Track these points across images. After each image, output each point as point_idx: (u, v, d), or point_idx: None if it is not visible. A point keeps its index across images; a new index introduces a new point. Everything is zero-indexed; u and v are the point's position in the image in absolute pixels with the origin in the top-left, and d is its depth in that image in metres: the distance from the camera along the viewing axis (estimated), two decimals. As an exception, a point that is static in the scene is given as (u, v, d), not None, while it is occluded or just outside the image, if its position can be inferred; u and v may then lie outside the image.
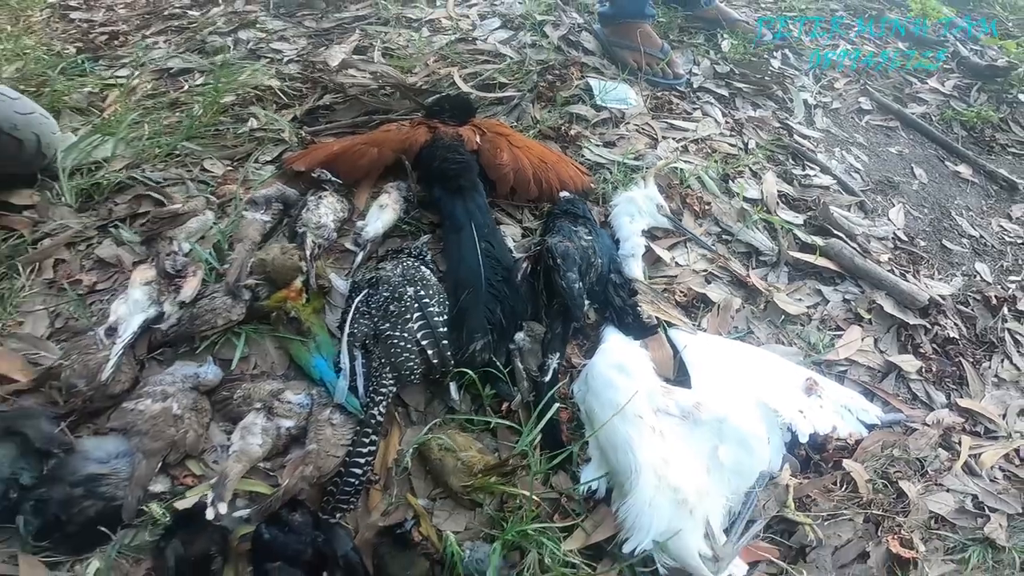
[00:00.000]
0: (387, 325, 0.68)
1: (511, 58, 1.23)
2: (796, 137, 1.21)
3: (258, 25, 1.40)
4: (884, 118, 1.41)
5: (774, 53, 1.51)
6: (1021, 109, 1.68)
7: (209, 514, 0.59)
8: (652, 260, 0.91)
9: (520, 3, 1.47)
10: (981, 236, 1.19)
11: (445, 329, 0.70)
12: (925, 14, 2.07)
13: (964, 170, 1.35)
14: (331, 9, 1.45)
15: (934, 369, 0.93)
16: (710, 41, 1.47)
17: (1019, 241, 1.25)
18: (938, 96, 1.61)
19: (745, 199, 1.01)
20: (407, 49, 1.24)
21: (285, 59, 1.24)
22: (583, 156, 1.01)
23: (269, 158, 0.98)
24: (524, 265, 0.77)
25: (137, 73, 1.21)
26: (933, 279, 1.05)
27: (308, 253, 0.76)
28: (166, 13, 1.49)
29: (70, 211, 0.89)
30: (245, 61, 1.25)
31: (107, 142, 0.97)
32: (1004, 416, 0.94)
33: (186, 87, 1.16)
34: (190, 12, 1.51)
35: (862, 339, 0.90)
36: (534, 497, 0.63)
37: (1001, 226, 1.26)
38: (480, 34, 1.32)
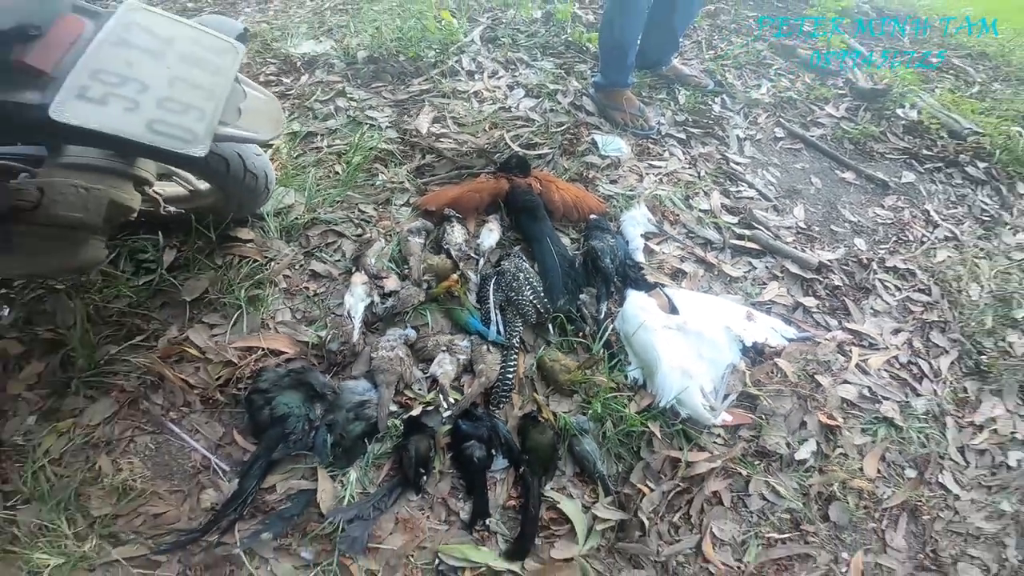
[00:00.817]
0: (513, 294, 1.22)
1: (538, 121, 1.78)
2: (731, 164, 1.79)
3: (348, 95, 1.92)
4: (792, 142, 2.00)
5: (715, 99, 2.10)
6: (896, 123, 2.30)
7: (443, 408, 1.08)
8: (648, 251, 1.47)
9: (535, 74, 2.03)
10: (859, 221, 1.77)
11: (543, 295, 1.24)
12: (830, 47, 2.69)
13: (849, 176, 1.93)
14: (397, 82, 1.98)
15: (827, 305, 1.50)
16: (670, 95, 2.05)
17: (888, 222, 1.83)
18: (833, 119, 2.20)
19: (700, 210, 1.58)
20: (467, 118, 1.78)
21: (383, 125, 1.75)
22: (599, 191, 1.57)
23: (401, 202, 1.50)
24: (580, 257, 1.32)
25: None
26: (823, 251, 1.62)
27: (455, 258, 1.29)
28: (261, 80, 1.97)
29: (281, 243, 1.38)
30: (349, 127, 1.77)
31: (289, 193, 1.46)
32: (881, 335, 1.50)
33: (324, 147, 1.65)
34: (283, 79, 2.03)
35: (778, 288, 1.47)
36: (607, 381, 1.17)
37: (876, 213, 1.84)
38: (512, 103, 1.87)
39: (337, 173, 1.57)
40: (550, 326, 1.24)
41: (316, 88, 1.96)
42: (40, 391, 1.11)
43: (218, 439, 1.08)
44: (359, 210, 1.47)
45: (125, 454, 1.05)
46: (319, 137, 1.72)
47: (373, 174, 1.57)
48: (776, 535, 1.16)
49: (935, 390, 1.41)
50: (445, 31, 2.17)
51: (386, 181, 1.54)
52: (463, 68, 2.06)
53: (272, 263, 1.33)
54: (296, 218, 1.42)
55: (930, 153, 2.11)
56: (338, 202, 1.48)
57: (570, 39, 2.27)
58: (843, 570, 1.17)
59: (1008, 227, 1.91)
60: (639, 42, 1.88)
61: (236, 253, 1.33)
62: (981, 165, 2.12)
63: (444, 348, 1.17)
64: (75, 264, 0.94)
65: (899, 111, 2.29)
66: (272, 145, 1.57)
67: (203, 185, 1.21)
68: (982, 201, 1.98)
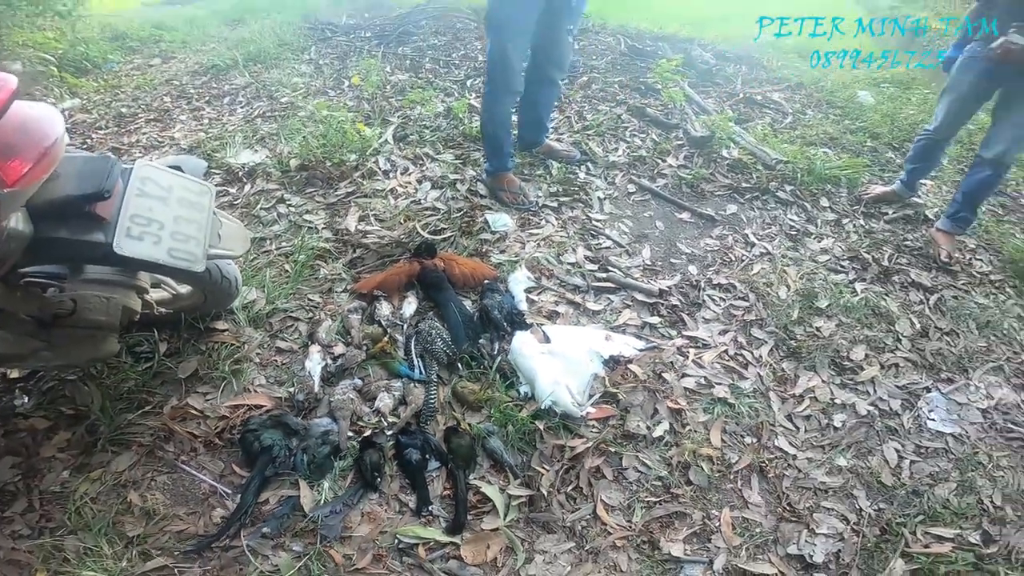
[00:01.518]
0: (429, 345, 1.69)
1: (442, 209, 2.29)
2: (593, 222, 2.34)
3: (287, 201, 2.36)
4: (642, 195, 2.58)
5: (581, 168, 2.67)
6: (722, 163, 2.85)
7: (387, 429, 1.52)
8: (530, 301, 1.96)
9: (438, 167, 2.55)
10: (693, 252, 2.32)
11: (451, 343, 1.70)
12: (672, 99, 3.35)
13: (686, 216, 2.50)
14: (327, 187, 2.45)
15: (668, 320, 2.02)
16: (545, 170, 2.61)
17: (715, 249, 2.37)
18: (673, 169, 2.77)
19: (569, 263, 2.11)
20: (386, 213, 2.26)
21: (319, 227, 2.21)
22: (491, 260, 2.08)
23: (340, 289, 1.95)
24: (477, 313, 1.80)
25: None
26: (664, 279, 2.17)
27: (385, 326, 1.74)
28: None
29: (250, 329, 1.80)
30: (290, 231, 2.21)
31: (252, 291, 1.88)
32: (711, 336, 2.00)
33: (273, 250, 2.10)
34: (229, 190, 2.45)
35: (630, 314, 1.98)
36: (504, 396, 1.62)
37: (706, 243, 2.39)
38: (421, 196, 2.38)
39: (287, 271, 2.01)
40: (459, 364, 1.72)
41: (259, 197, 2.41)
42: (71, 452, 1.47)
43: (220, 471, 1.47)
44: (308, 299, 1.92)
45: (149, 489, 1.43)
46: (268, 241, 2.16)
47: (316, 269, 2.02)
48: (653, 499, 1.51)
49: (758, 373, 1.86)
50: (362, 139, 2.67)
51: (327, 274, 2.00)
52: (380, 168, 2.56)
53: (246, 345, 1.75)
54: (259, 309, 1.84)
55: (748, 185, 2.74)
56: (291, 294, 1.92)
57: (466, 131, 2.82)
58: (716, 524, 1.48)
59: (812, 236, 2.54)
60: (516, 130, 2.44)
61: (216, 340, 1.75)
62: (788, 188, 2.77)
63: (383, 389, 1.63)
64: (100, 354, 1.35)
65: (724, 152, 2.93)
66: (242, 256, 1.99)
67: (184, 289, 1.61)
68: (790, 219, 2.61)
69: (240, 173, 2.58)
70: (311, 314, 1.87)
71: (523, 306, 1.89)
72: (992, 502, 1.62)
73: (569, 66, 2.65)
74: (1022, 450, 1.80)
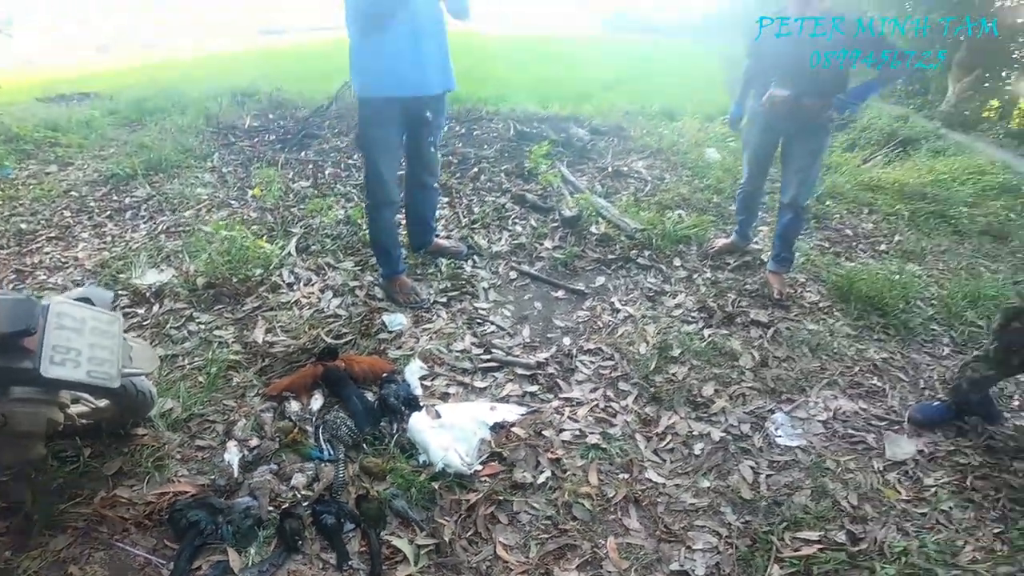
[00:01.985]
0: (335, 432, 2.08)
1: (343, 315, 2.69)
2: (479, 311, 2.82)
3: (196, 319, 2.66)
4: (523, 280, 3.11)
5: (468, 262, 3.17)
6: (591, 239, 3.43)
7: (303, 501, 1.86)
8: (424, 387, 2.37)
9: (339, 275, 2.96)
10: (566, 325, 2.82)
11: (355, 429, 2.08)
12: (550, 182, 3.98)
13: (560, 293, 3.02)
14: (234, 303, 2.77)
15: (546, 387, 2.44)
16: (435, 268, 3.09)
17: (586, 319, 2.86)
18: (549, 251, 3.34)
19: (458, 351, 2.55)
20: (291, 324, 2.62)
21: (229, 341, 2.54)
22: (389, 356, 2.49)
23: (253, 394, 2.30)
24: (377, 402, 2.18)
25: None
26: (541, 353, 2.61)
27: (295, 421, 2.09)
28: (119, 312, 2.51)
29: (170, 433, 2.09)
30: (201, 347, 2.50)
31: (167, 401, 2.18)
32: (584, 395, 2.39)
33: (186, 364, 2.42)
34: (137, 311, 2.71)
35: (512, 386, 2.41)
36: (405, 465, 2.00)
37: (578, 315, 2.88)
38: (324, 304, 2.77)
39: (200, 382, 2.31)
40: (363, 444, 2.10)
41: (168, 316, 2.70)
42: (11, 536, 1.70)
43: (153, 546, 1.72)
44: (223, 404, 2.26)
45: (89, 563, 1.67)
46: (180, 357, 2.46)
47: (228, 378, 2.34)
48: (545, 535, 1.78)
49: (625, 419, 2.25)
50: (264, 254, 3.04)
51: (239, 382, 2.33)
52: (284, 281, 2.94)
53: (166, 445, 2.04)
54: (177, 416, 2.16)
55: (614, 256, 3.33)
56: (206, 401, 2.24)
57: (364, 238, 3.26)
58: (604, 552, 1.73)
59: (668, 294, 3.13)
60: (408, 232, 2.89)
61: (137, 443, 2.01)
62: (647, 254, 3.39)
63: (298, 470, 1.98)
64: (28, 458, 1.63)
65: (592, 228, 3.54)
66: (153, 373, 2.28)
67: (102, 403, 1.93)
68: (649, 283, 3.19)
69: (147, 294, 2.86)
70: (226, 416, 2.19)
71: (418, 391, 2.30)
72: (849, 502, 1.96)
73: (439, 171, 3.13)
74: (866, 452, 2.20)
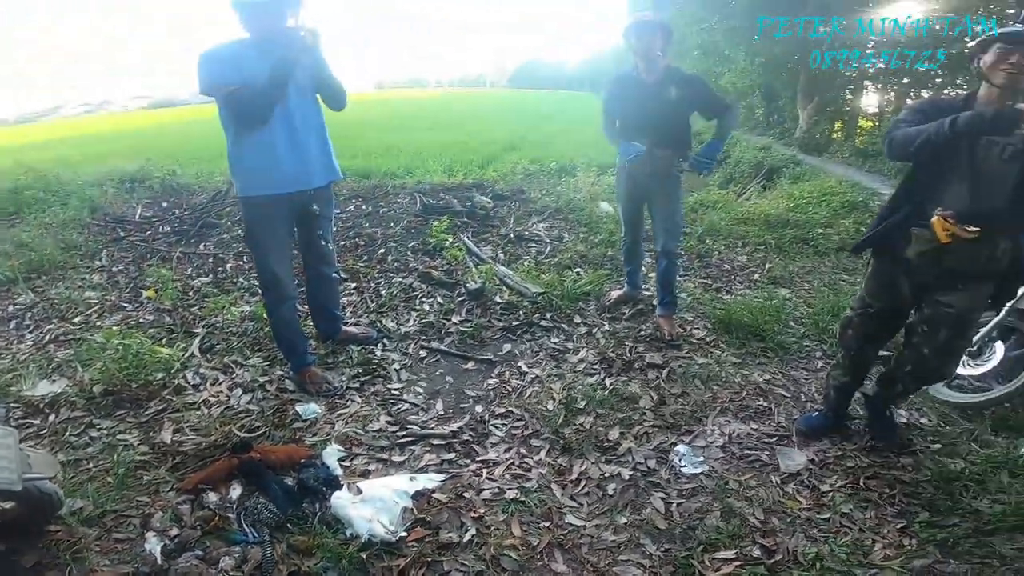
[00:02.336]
0: (257, 516, 2.18)
1: (255, 410, 2.77)
2: (392, 392, 3.01)
3: (97, 426, 2.64)
4: (433, 356, 3.34)
5: (378, 346, 3.35)
6: (496, 309, 3.72)
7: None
8: (344, 467, 2.50)
9: (248, 372, 3.04)
10: (478, 394, 3.04)
11: (277, 512, 2.18)
12: (454, 257, 4.27)
13: (471, 365, 3.28)
14: (137, 408, 2.77)
15: (462, 453, 2.63)
16: (346, 355, 3.25)
17: (496, 386, 3.10)
18: (457, 325, 3.56)
19: (374, 431, 2.71)
20: (200, 423, 2.67)
21: (135, 444, 2.55)
22: (305, 443, 2.60)
23: (167, 488, 2.34)
24: (296, 486, 2.29)
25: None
26: (455, 423, 2.83)
27: (214, 510, 2.15)
28: (13, 426, 2.42)
29: (84, 528, 2.10)
30: (105, 452, 2.49)
31: (77, 501, 2.19)
32: (499, 456, 2.68)
33: (92, 467, 2.42)
34: (32, 422, 2.67)
35: (429, 456, 2.59)
36: (332, 539, 2.11)
37: (488, 383, 3.11)
38: (234, 402, 2.84)
39: (110, 482, 2.31)
40: (288, 525, 2.20)
41: (67, 425, 2.66)
42: None
43: None
44: (137, 500, 2.29)
45: None
46: (84, 461, 2.46)
47: (139, 477, 2.38)
48: None
49: (540, 472, 2.44)
50: (164, 359, 3.06)
51: (151, 480, 2.37)
52: (189, 383, 2.99)
53: (82, 539, 2.07)
54: (89, 513, 2.18)
55: (518, 322, 3.65)
56: (118, 499, 2.26)
57: (271, 332, 3.37)
58: None
59: (571, 351, 3.45)
60: (314, 323, 3.05)
61: (53, 539, 2.04)
62: (549, 316, 3.73)
63: (224, 554, 2.06)
64: None
65: (496, 297, 3.85)
66: (56, 476, 2.26)
67: (8, 505, 1.94)
68: (552, 343, 3.52)
69: (41, 405, 2.80)
70: (142, 510, 2.22)
71: (338, 472, 2.44)
72: (756, 518, 2.17)
73: (335, 260, 3.23)
74: (764, 469, 2.46)
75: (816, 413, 2.77)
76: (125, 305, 3.89)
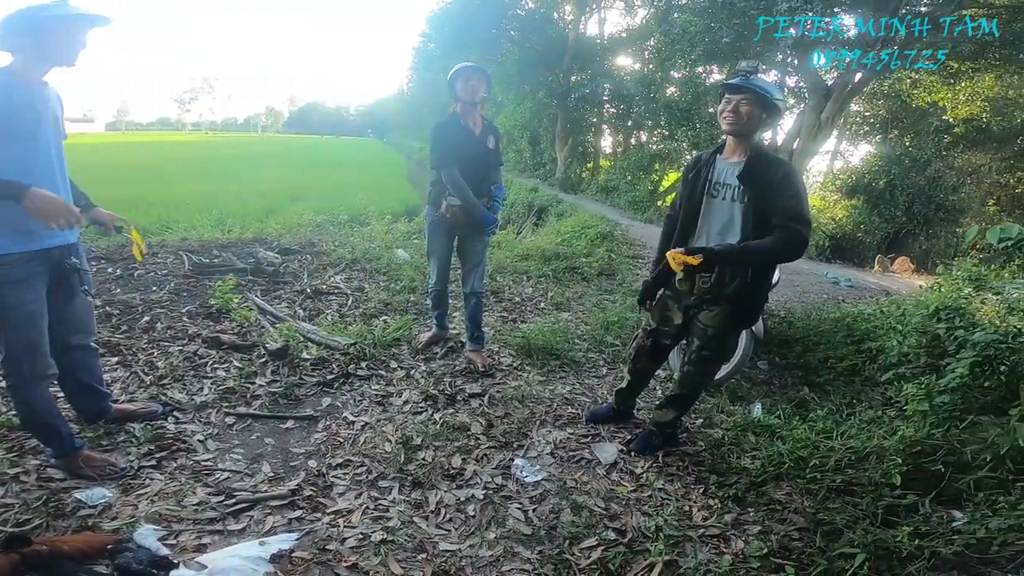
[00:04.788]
0: None
1: (16, 503, 2.19)
2: (203, 463, 2.60)
3: None
4: (243, 422, 2.97)
5: (168, 419, 2.89)
6: (305, 365, 3.51)
7: None
8: (170, 545, 2.09)
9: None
10: (305, 450, 2.75)
11: None
12: (245, 318, 3.93)
13: (290, 423, 2.98)
14: None
15: (309, 507, 2.43)
16: (129, 434, 2.71)
17: (324, 439, 2.86)
18: (264, 387, 3.26)
19: (194, 504, 2.33)
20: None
21: None
22: (105, 528, 2.13)
23: None
24: (114, 573, 1.88)
25: None
26: (290, 482, 2.62)
27: None
28: None
29: None
30: None
31: None
32: (350, 502, 2.51)
33: None
34: None
35: (274, 519, 2.32)
36: None
37: (314, 438, 2.85)
38: None
39: None
40: None
41: None
42: None
43: None
44: None
45: None
46: None
47: None
48: None
49: (398, 510, 2.39)
50: None
51: None
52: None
53: None
54: None
55: (333, 375, 3.48)
56: None
57: (4, 422, 2.67)
58: None
59: (394, 395, 3.44)
60: (73, 405, 2.52)
61: None
62: (364, 364, 3.66)
63: None
64: None
65: (304, 354, 3.66)
66: None
67: None
68: (373, 390, 3.44)
69: None
70: None
71: (163, 551, 2.02)
72: (600, 507, 2.44)
73: (95, 326, 2.72)
74: (589, 465, 2.78)
75: (605, 405, 3.30)
76: None
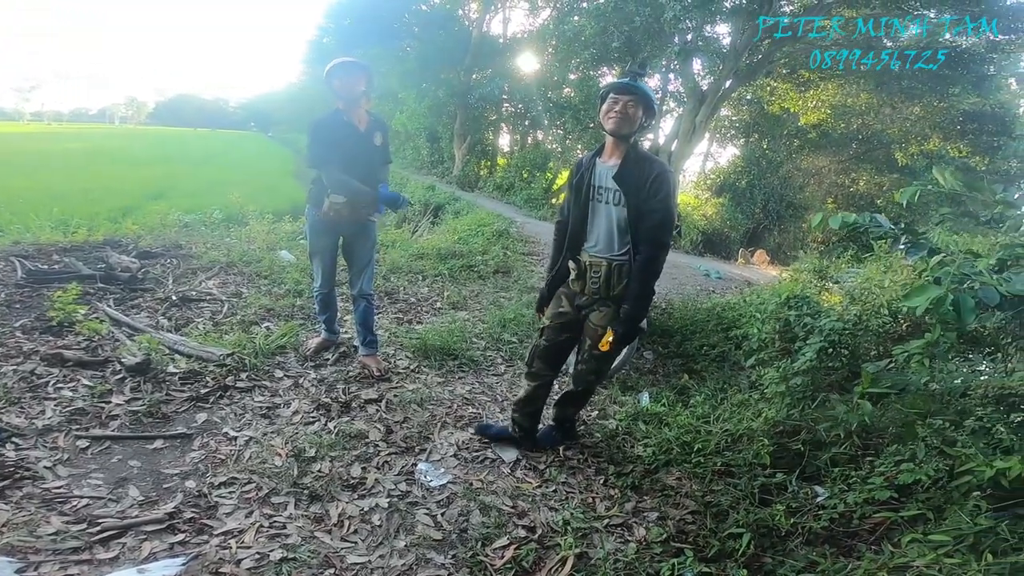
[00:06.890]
0: None
1: None
2: (53, 491, 2.25)
3: None
4: (100, 444, 2.60)
5: (6, 447, 2.47)
6: (173, 379, 3.17)
7: None
8: None
9: None
10: (183, 470, 2.47)
11: None
12: (95, 331, 3.47)
13: (159, 443, 2.62)
14: None
15: (193, 531, 2.19)
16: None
17: (204, 456, 2.60)
18: (123, 406, 2.86)
19: (49, 535, 2.01)
20: None
21: None
22: None
23: None
24: None
25: None
26: (167, 505, 2.35)
27: None
28: None
29: None
30: None
31: None
32: (240, 520, 2.29)
33: None
34: None
35: (152, 545, 2.08)
36: None
37: (192, 457, 2.57)
38: None
39: None
40: None
41: None
42: None
43: None
44: None
45: None
46: None
47: None
48: None
49: (296, 525, 2.22)
50: None
51: None
52: None
53: None
54: None
55: (207, 389, 3.14)
56: None
57: None
58: None
59: (281, 406, 3.19)
60: None
61: None
62: (244, 375, 3.37)
63: None
64: None
65: (170, 368, 3.29)
66: None
67: None
68: (257, 402, 3.16)
69: None
70: None
71: None
72: (507, 506, 2.45)
73: None
74: (493, 464, 2.75)
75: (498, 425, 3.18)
76: None
